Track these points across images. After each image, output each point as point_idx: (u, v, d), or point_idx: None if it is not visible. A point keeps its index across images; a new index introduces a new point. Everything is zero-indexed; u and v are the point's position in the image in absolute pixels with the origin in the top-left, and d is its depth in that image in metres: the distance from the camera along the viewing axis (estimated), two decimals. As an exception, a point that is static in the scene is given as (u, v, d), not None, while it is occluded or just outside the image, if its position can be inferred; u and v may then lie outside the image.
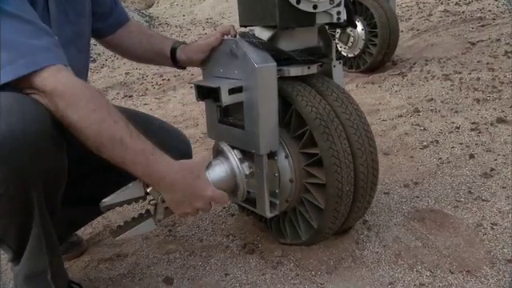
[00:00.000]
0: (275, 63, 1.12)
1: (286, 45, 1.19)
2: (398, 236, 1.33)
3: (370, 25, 3.27)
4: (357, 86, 3.16)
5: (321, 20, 1.17)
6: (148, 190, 1.00)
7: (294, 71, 1.19)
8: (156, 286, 1.21)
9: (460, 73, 2.98)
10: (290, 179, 1.21)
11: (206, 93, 1.16)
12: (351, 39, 3.41)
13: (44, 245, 0.92)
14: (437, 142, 2.01)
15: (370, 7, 3.24)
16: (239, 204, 1.40)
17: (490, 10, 4.53)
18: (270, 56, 1.12)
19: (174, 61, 1.27)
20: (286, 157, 1.20)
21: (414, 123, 2.27)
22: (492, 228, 1.32)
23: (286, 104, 1.19)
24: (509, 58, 3.15)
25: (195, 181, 1.01)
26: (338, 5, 1.16)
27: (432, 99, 2.60)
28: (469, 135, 2.04)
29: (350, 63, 3.53)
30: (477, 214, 1.40)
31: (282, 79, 1.17)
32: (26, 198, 0.84)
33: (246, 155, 1.21)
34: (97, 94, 0.90)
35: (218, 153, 1.18)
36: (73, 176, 0.96)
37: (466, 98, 2.53)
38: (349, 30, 3.37)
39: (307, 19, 1.14)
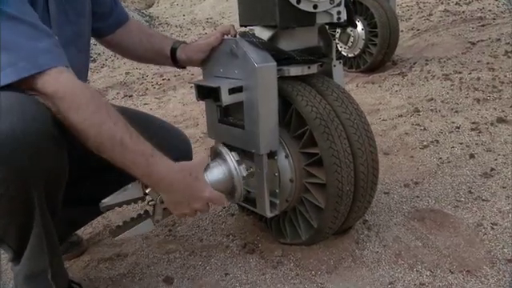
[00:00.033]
0: (275, 63, 1.12)
1: (286, 44, 1.19)
2: (398, 236, 1.33)
3: (370, 24, 3.27)
4: (357, 86, 3.16)
5: (321, 20, 1.17)
6: (147, 191, 1.01)
7: (294, 71, 1.19)
8: (156, 286, 1.21)
9: (460, 72, 2.97)
10: (290, 179, 1.21)
11: (206, 92, 1.16)
12: (351, 39, 3.41)
13: (45, 244, 0.92)
14: (437, 141, 2.01)
15: (370, 7, 3.23)
16: (239, 204, 1.40)
17: (490, 10, 4.53)
18: (270, 56, 1.12)
19: (174, 60, 1.27)
20: (286, 156, 1.20)
21: (414, 123, 2.27)
22: (492, 228, 1.32)
23: (286, 104, 1.19)
24: (509, 57, 3.15)
25: (194, 182, 1.03)
26: (338, 4, 1.16)
27: (432, 99, 2.60)
28: (469, 135, 2.04)
29: (350, 63, 3.53)
30: (477, 214, 1.40)
31: (282, 79, 1.17)
32: (26, 197, 0.84)
33: (246, 155, 1.21)
34: (97, 96, 0.91)
35: (215, 155, 1.20)
36: (73, 176, 0.96)
37: (467, 97, 2.53)
38: (349, 29, 3.37)
39: (307, 19, 1.14)
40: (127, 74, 4.51)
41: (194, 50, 1.22)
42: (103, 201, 0.99)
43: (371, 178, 1.20)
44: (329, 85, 1.22)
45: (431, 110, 2.43)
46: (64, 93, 0.86)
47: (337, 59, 1.32)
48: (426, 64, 3.31)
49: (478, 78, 2.78)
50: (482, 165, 1.74)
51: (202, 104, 1.29)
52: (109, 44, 1.32)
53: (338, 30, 3.43)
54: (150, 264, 1.31)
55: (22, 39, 0.85)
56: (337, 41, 3.49)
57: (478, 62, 3.17)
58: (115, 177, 0.97)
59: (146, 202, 1.05)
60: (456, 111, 2.36)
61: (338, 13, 1.17)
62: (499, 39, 3.60)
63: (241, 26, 1.23)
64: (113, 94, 3.87)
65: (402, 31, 4.19)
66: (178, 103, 3.33)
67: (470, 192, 1.54)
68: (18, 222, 0.88)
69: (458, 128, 2.13)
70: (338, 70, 1.32)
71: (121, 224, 1.07)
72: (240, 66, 1.11)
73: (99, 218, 1.56)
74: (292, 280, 1.18)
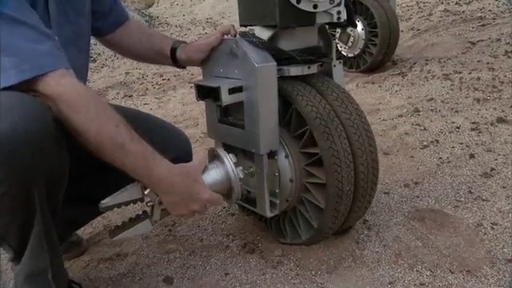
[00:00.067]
0: (275, 63, 1.12)
1: (286, 44, 1.18)
2: (398, 236, 1.33)
3: (371, 24, 3.27)
4: (357, 86, 3.16)
5: (321, 20, 1.17)
6: (146, 193, 1.03)
7: (294, 71, 1.19)
8: (156, 286, 1.21)
9: (460, 72, 2.97)
10: (290, 179, 1.21)
11: (206, 92, 1.16)
12: (351, 39, 3.41)
13: (45, 244, 0.92)
14: (437, 141, 2.01)
15: (370, 7, 3.23)
16: (239, 204, 1.40)
17: (490, 10, 4.53)
18: (270, 55, 1.12)
19: (174, 60, 1.27)
20: (286, 156, 1.20)
21: (414, 123, 2.27)
22: (492, 228, 1.32)
23: (286, 103, 1.19)
24: (509, 57, 3.15)
25: (193, 184, 1.04)
26: (338, 4, 1.16)
27: (432, 99, 2.60)
28: (469, 135, 2.04)
29: (350, 63, 3.53)
30: (477, 214, 1.40)
31: (282, 79, 1.17)
32: (27, 196, 0.84)
33: (246, 155, 1.21)
34: (99, 99, 0.92)
35: (213, 157, 1.21)
36: (73, 175, 0.96)
37: (467, 97, 2.52)
38: (349, 29, 3.37)
39: (307, 19, 1.14)
40: (127, 73, 4.51)
41: (194, 50, 1.22)
42: (102, 201, 1.00)
43: (371, 178, 1.20)
44: (329, 85, 1.22)
45: (431, 110, 2.43)
46: (66, 95, 0.86)
47: (337, 59, 1.32)
48: (426, 64, 3.31)
49: (478, 78, 2.78)
50: (482, 165, 1.74)
51: (202, 104, 1.29)
52: (109, 43, 1.32)
53: (338, 30, 3.43)
54: (149, 264, 1.31)
55: (22, 42, 0.85)
56: (337, 41, 3.49)
57: (478, 61, 3.17)
58: (115, 177, 0.97)
59: (144, 203, 1.06)
60: (456, 111, 2.36)
61: (338, 13, 1.17)
62: (499, 39, 3.60)
63: (241, 25, 1.23)
64: (113, 93, 3.87)
65: (402, 31, 4.19)
66: (177, 103, 3.33)
67: (470, 192, 1.54)
68: (19, 220, 0.88)
69: (458, 128, 2.13)
70: (337, 69, 1.32)
71: (119, 224, 1.08)
72: (240, 65, 1.11)
73: (99, 218, 1.56)
74: (292, 280, 1.18)
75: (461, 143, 1.96)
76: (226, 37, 1.18)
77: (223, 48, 1.17)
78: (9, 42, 0.83)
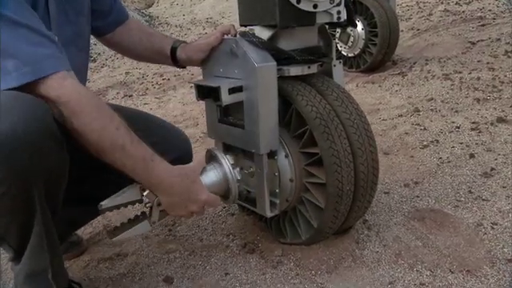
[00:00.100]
0: (275, 63, 1.12)
1: (286, 44, 1.18)
2: (398, 235, 1.33)
3: (371, 24, 3.27)
4: (357, 86, 3.16)
5: (321, 19, 1.17)
6: (144, 194, 1.04)
7: (294, 71, 1.19)
8: (156, 286, 1.21)
9: (460, 72, 2.97)
10: (290, 179, 1.21)
11: (206, 92, 1.16)
12: (351, 39, 3.41)
13: (45, 244, 0.93)
14: (437, 141, 2.01)
15: (370, 7, 3.23)
16: (239, 203, 1.40)
17: (490, 10, 4.53)
18: (270, 55, 1.12)
19: (174, 60, 1.27)
20: (286, 156, 1.20)
21: (414, 123, 2.27)
22: (492, 227, 1.32)
23: (286, 103, 1.19)
24: (509, 57, 3.15)
25: (191, 185, 1.06)
26: (338, 4, 1.16)
27: (432, 99, 2.60)
28: (469, 135, 2.04)
29: (350, 63, 3.53)
30: (477, 214, 1.40)
31: (282, 79, 1.17)
32: (27, 196, 0.85)
33: (246, 155, 1.21)
34: (100, 102, 0.93)
35: (210, 158, 1.22)
36: (73, 175, 0.96)
37: (467, 97, 2.52)
38: (349, 29, 3.37)
39: (307, 18, 1.14)
40: (127, 73, 4.51)
41: (194, 50, 1.22)
42: (101, 203, 1.01)
43: (371, 178, 1.20)
44: (329, 84, 1.22)
45: (431, 110, 2.43)
46: (68, 98, 0.87)
47: (337, 59, 1.32)
48: (426, 64, 3.31)
49: (478, 78, 2.78)
50: (482, 164, 1.74)
51: (202, 104, 1.29)
52: (108, 42, 1.32)
53: (338, 30, 3.43)
54: (149, 264, 1.31)
55: (23, 44, 0.85)
56: (337, 40, 3.49)
57: (478, 61, 3.17)
58: (115, 177, 0.98)
59: (143, 204, 1.07)
60: (456, 111, 2.36)
61: (338, 12, 1.17)
62: (499, 39, 3.60)
63: (241, 25, 1.23)
64: (113, 93, 3.87)
65: (402, 31, 4.19)
66: (177, 103, 3.33)
67: (470, 192, 1.54)
68: (19, 220, 0.88)
69: (458, 128, 2.13)
70: (337, 69, 1.32)
71: (118, 226, 1.09)
72: (240, 65, 1.11)
73: (99, 218, 1.56)
74: (292, 280, 1.18)
75: (461, 143, 1.96)
76: (226, 36, 1.18)
77: (223, 48, 1.17)
78: (9, 44, 0.84)
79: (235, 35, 1.19)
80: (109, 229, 1.19)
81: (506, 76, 2.75)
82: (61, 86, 0.87)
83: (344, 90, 1.23)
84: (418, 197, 1.55)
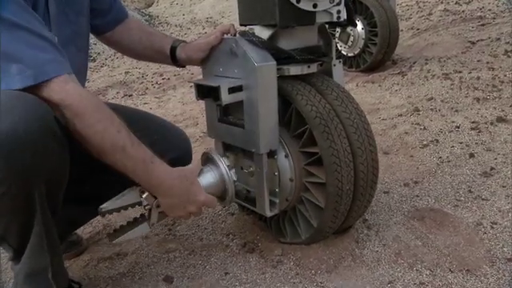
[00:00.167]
0: (275, 62, 1.12)
1: (286, 44, 1.18)
2: (397, 235, 1.33)
3: (370, 24, 3.27)
4: (357, 85, 3.16)
5: (321, 19, 1.17)
6: (143, 196, 1.06)
7: (294, 70, 1.19)
8: (156, 285, 1.21)
9: (460, 72, 2.97)
10: (289, 178, 1.21)
11: (205, 92, 1.16)
12: (351, 38, 3.41)
13: (45, 243, 0.93)
14: (437, 141, 2.01)
15: (370, 6, 3.23)
16: (239, 203, 1.40)
17: (490, 9, 4.53)
18: (270, 55, 1.12)
19: (174, 59, 1.27)
20: (286, 156, 1.20)
21: (413, 122, 2.27)
22: (492, 227, 1.32)
23: (285, 103, 1.19)
24: (509, 57, 3.15)
25: (190, 186, 1.08)
26: (338, 4, 1.16)
27: (432, 98, 2.60)
28: (469, 134, 2.04)
29: (349, 62, 3.53)
30: (477, 213, 1.40)
31: (281, 78, 1.17)
32: (28, 196, 0.85)
33: (246, 154, 1.21)
34: (101, 104, 0.94)
35: (207, 160, 1.24)
36: (74, 176, 0.96)
37: (466, 97, 2.53)
38: (349, 29, 3.37)
39: (307, 18, 1.14)
40: (127, 73, 4.51)
41: (194, 49, 1.22)
42: (101, 206, 1.03)
43: (371, 178, 1.20)
44: (328, 84, 1.22)
45: (431, 110, 2.43)
46: (70, 101, 0.88)
47: (336, 58, 1.32)
48: (426, 63, 3.31)
49: (478, 78, 2.78)
50: (482, 164, 1.74)
51: (202, 103, 1.29)
52: (108, 41, 1.32)
53: (338, 30, 3.43)
54: (149, 263, 1.31)
55: (25, 47, 0.86)
56: (337, 40, 3.49)
57: (478, 61, 3.17)
58: (115, 177, 0.98)
59: (142, 207, 1.08)
60: (456, 110, 2.36)
61: (338, 12, 1.17)
62: (499, 38, 3.61)
63: (241, 25, 1.23)
64: (112, 93, 3.87)
65: (402, 30, 4.19)
66: (177, 102, 3.33)
67: (469, 191, 1.54)
68: (20, 220, 0.88)
69: (458, 127, 2.13)
70: (337, 69, 1.32)
71: (118, 228, 1.11)
72: (240, 65, 1.11)
73: (99, 218, 1.55)
74: (292, 279, 1.18)
75: (460, 142, 1.96)
76: (225, 36, 1.18)
77: (223, 47, 1.17)
78: (11, 47, 0.84)
79: (235, 35, 1.19)
80: (109, 231, 1.20)
81: (505, 75, 2.75)
82: (63, 89, 0.88)
83: (344, 90, 1.23)
84: (417, 196, 1.55)
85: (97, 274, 1.29)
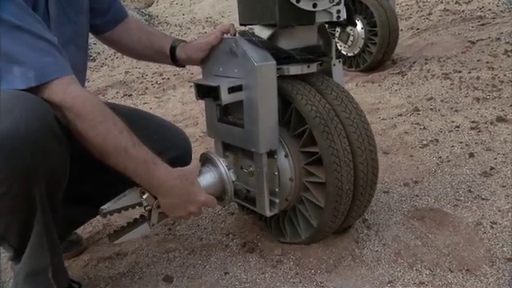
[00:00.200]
0: (275, 62, 1.12)
1: (286, 43, 1.18)
2: (397, 235, 1.33)
3: (370, 24, 3.27)
4: (356, 85, 3.16)
5: (320, 19, 1.17)
6: (144, 197, 1.06)
7: (294, 70, 1.19)
8: (156, 285, 1.21)
9: (460, 72, 2.98)
10: (289, 178, 1.21)
11: (205, 91, 1.16)
12: (351, 38, 3.41)
13: (45, 243, 0.93)
14: (436, 140, 2.02)
15: (369, 6, 3.23)
16: (239, 203, 1.40)
17: (489, 9, 4.53)
18: (270, 54, 1.12)
19: (174, 59, 1.27)
20: (286, 155, 1.20)
21: (413, 122, 2.27)
22: (491, 227, 1.32)
23: (285, 103, 1.19)
24: (509, 56, 3.15)
25: (190, 187, 1.08)
26: (338, 3, 1.16)
27: (432, 98, 2.60)
28: (468, 134, 2.04)
29: (349, 62, 3.53)
30: (476, 213, 1.40)
31: (281, 78, 1.17)
32: (28, 195, 0.85)
33: (246, 154, 1.21)
34: (103, 106, 0.94)
35: (205, 161, 1.24)
36: (74, 176, 0.96)
37: (466, 96, 2.53)
38: (348, 28, 3.36)
39: (307, 18, 1.14)
40: (127, 73, 4.51)
41: (194, 49, 1.22)
42: (102, 207, 1.03)
43: (371, 177, 1.20)
44: (328, 84, 1.22)
45: (431, 109, 2.43)
46: (72, 103, 0.89)
47: (336, 58, 1.32)
48: (426, 63, 3.31)
49: (478, 77, 2.79)
50: (482, 164, 1.74)
51: (202, 103, 1.29)
52: (108, 41, 1.32)
53: (338, 29, 3.43)
54: (149, 263, 1.31)
55: (27, 49, 0.86)
56: (336, 40, 3.49)
57: (478, 61, 3.17)
58: (115, 177, 0.98)
59: (142, 207, 1.09)
60: (456, 110, 2.36)
61: (338, 11, 1.17)
62: (499, 38, 3.61)
63: (240, 24, 1.23)
64: (112, 93, 3.87)
65: (402, 30, 4.19)
66: (177, 102, 3.33)
67: (469, 191, 1.55)
68: (20, 219, 0.89)
69: (458, 127, 2.13)
70: (337, 69, 1.32)
71: (118, 229, 1.11)
72: (239, 64, 1.11)
73: (99, 217, 1.55)
74: (291, 279, 1.18)
75: (460, 142, 1.96)
76: (225, 36, 1.18)
77: (223, 47, 1.17)
78: (13, 49, 0.84)
79: (235, 34, 1.19)
80: (109, 232, 1.21)
81: (505, 75, 2.75)
82: (65, 90, 0.88)
83: (343, 90, 1.24)
84: (417, 196, 1.55)
85: (96, 273, 1.29)
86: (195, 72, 3.90)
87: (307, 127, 1.15)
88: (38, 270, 0.95)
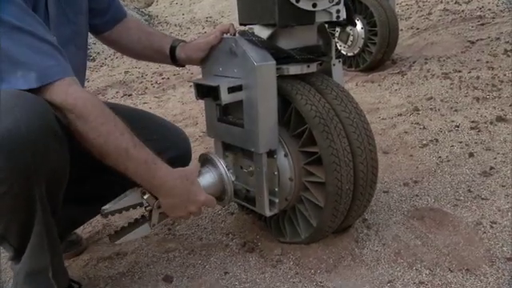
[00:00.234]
0: (274, 61, 1.12)
1: (286, 43, 1.18)
2: (397, 234, 1.33)
3: (370, 23, 3.27)
4: (356, 85, 3.16)
5: (320, 18, 1.17)
6: (144, 197, 1.07)
7: (294, 70, 1.19)
8: (155, 285, 1.21)
9: (460, 71, 2.98)
10: (289, 178, 1.21)
11: (205, 91, 1.16)
12: (351, 38, 3.41)
13: (46, 243, 0.93)
14: (436, 140, 2.02)
15: (369, 6, 3.23)
16: (239, 202, 1.40)
17: (489, 9, 4.53)
18: (270, 54, 1.12)
19: (173, 59, 1.26)
20: (286, 155, 1.20)
21: (413, 122, 2.27)
22: (491, 226, 1.32)
23: (285, 102, 1.19)
24: (508, 56, 3.15)
25: (191, 187, 1.09)
26: (338, 3, 1.16)
27: (432, 98, 2.60)
28: (468, 134, 2.04)
29: (349, 62, 3.53)
30: (476, 213, 1.40)
31: (281, 78, 1.17)
32: (28, 195, 0.85)
33: (245, 154, 1.21)
34: (104, 107, 0.94)
35: (205, 161, 1.25)
36: (75, 176, 0.96)
37: (466, 96, 2.53)
38: (348, 28, 3.36)
39: (307, 17, 1.14)
40: (126, 72, 4.51)
41: (194, 49, 1.22)
42: (103, 208, 1.04)
43: (370, 177, 1.20)
44: (328, 84, 1.22)
45: (431, 109, 2.43)
46: (73, 104, 0.89)
47: (336, 58, 1.32)
48: (426, 63, 3.31)
49: (478, 77, 2.79)
50: (482, 163, 1.74)
51: (202, 103, 1.29)
52: (107, 41, 1.32)
53: (338, 29, 3.43)
54: (149, 263, 1.31)
55: (28, 51, 0.86)
56: (336, 40, 3.49)
57: (478, 60, 3.17)
58: (115, 177, 0.98)
59: (143, 208, 1.09)
60: (455, 110, 2.36)
61: (338, 11, 1.17)
62: (499, 38, 3.61)
63: (240, 24, 1.23)
64: (112, 93, 3.87)
65: (402, 30, 4.19)
66: (177, 102, 3.33)
67: (469, 191, 1.55)
68: (20, 219, 0.88)
69: (458, 127, 2.13)
70: (337, 68, 1.32)
71: (119, 229, 1.11)
72: (239, 64, 1.11)
73: (98, 217, 1.55)
74: (291, 279, 1.18)
75: (460, 142, 1.96)
76: (225, 36, 1.18)
77: (222, 47, 1.17)
78: (14, 51, 0.85)
79: (234, 34, 1.18)
80: (109, 232, 1.21)
81: (505, 75, 2.75)
82: (66, 92, 0.89)
83: (343, 89, 1.24)
84: (417, 196, 1.55)
85: (96, 273, 1.29)
86: (195, 72, 3.90)
87: (307, 127, 1.15)
88: (38, 269, 0.95)
